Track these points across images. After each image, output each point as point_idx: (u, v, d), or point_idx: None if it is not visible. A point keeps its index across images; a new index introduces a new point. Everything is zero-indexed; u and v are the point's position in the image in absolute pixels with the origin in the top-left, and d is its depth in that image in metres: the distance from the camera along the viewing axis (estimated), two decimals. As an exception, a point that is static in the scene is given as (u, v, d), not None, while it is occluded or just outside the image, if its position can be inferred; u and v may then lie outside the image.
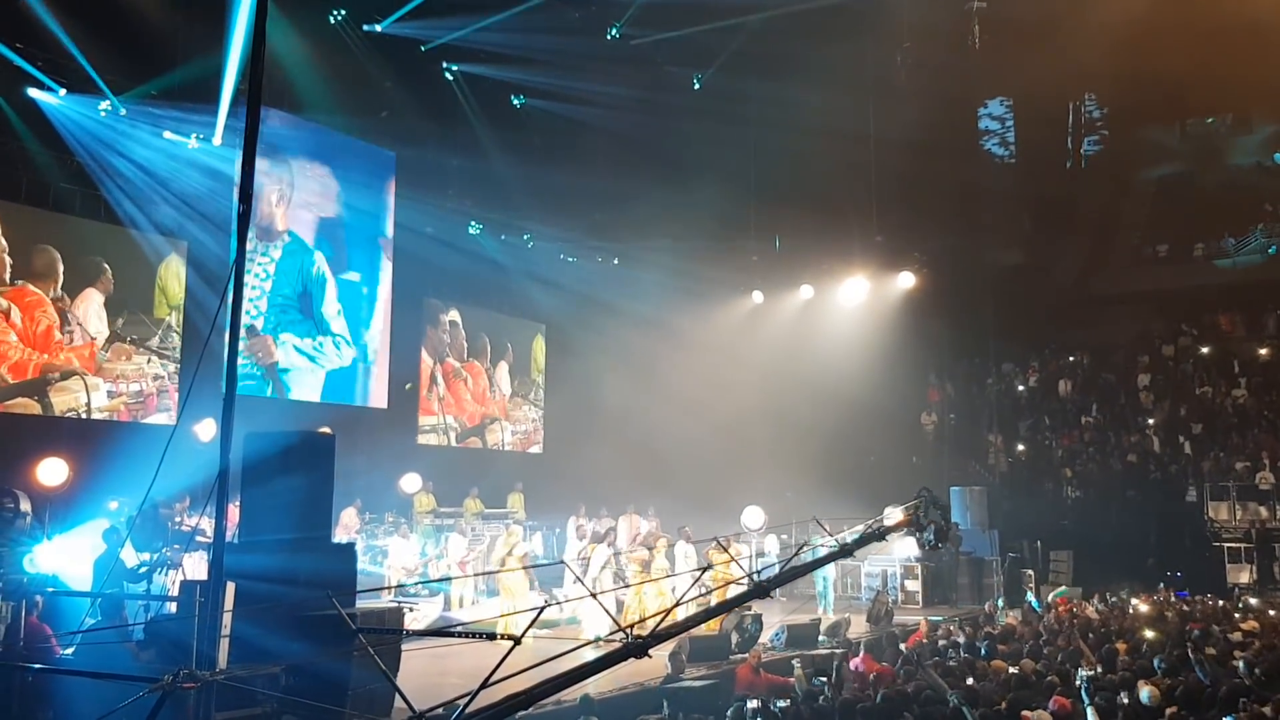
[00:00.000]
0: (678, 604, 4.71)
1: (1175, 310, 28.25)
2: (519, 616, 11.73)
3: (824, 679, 10.08)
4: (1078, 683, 9.21)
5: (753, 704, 8.29)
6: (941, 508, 5.75)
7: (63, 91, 15.55)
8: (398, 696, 7.56)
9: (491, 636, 4.10)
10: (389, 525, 16.90)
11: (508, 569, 13.80)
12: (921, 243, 25.95)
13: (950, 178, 26.81)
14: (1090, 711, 7.83)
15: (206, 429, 14.90)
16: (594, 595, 5.12)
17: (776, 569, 5.68)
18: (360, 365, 20.24)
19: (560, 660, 3.49)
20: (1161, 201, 29.84)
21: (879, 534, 5.65)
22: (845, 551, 5.56)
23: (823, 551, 6.16)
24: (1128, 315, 28.52)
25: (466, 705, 2.84)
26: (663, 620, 3.75)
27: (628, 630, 3.49)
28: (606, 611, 5.23)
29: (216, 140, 16.89)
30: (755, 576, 4.71)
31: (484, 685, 3.04)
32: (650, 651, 3.40)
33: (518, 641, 3.25)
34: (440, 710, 3.42)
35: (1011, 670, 9.85)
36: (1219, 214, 28.73)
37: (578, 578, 12.37)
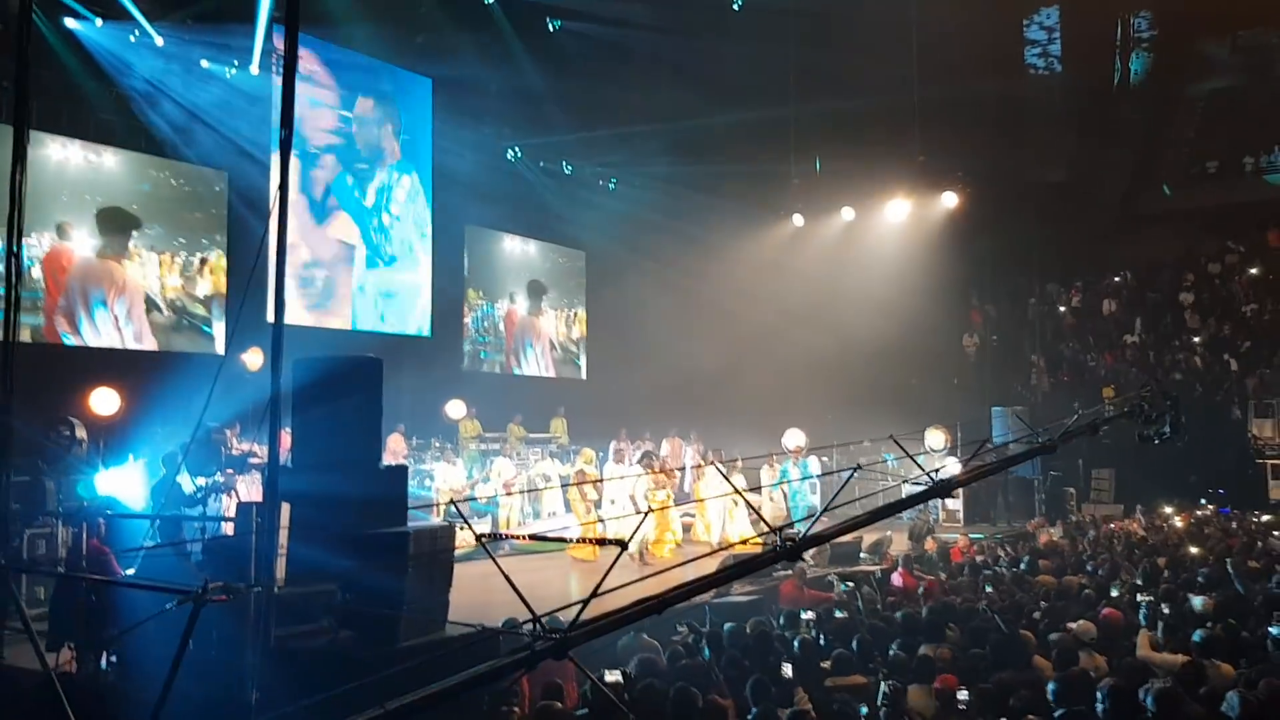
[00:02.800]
0: (827, 508, 4.54)
1: (1222, 227, 27.70)
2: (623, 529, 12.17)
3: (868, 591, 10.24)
4: (1114, 593, 9.30)
5: (808, 614, 8.46)
6: (1172, 399, 5.58)
7: (99, 21, 15.59)
8: (449, 609, 7.79)
9: (601, 542, 4.19)
10: (435, 450, 17.16)
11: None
12: (964, 162, 25.47)
13: (994, 94, 26.26)
14: (1144, 619, 7.91)
15: (254, 358, 15.15)
16: (740, 493, 4.96)
17: (956, 469, 5.53)
18: (405, 293, 20.41)
19: (684, 568, 3.54)
20: (1211, 116, 29.10)
21: (1094, 426, 5.45)
22: (1048, 447, 5.30)
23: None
24: (1174, 233, 28.00)
25: (581, 610, 2.88)
26: (811, 526, 3.73)
27: (777, 533, 3.47)
28: (758, 514, 5.04)
29: (254, 69, 16.91)
30: (933, 476, 4.59)
31: (595, 594, 3.05)
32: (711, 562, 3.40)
33: (624, 546, 3.25)
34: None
35: (1054, 584, 9.94)
36: (1270, 129, 28.00)
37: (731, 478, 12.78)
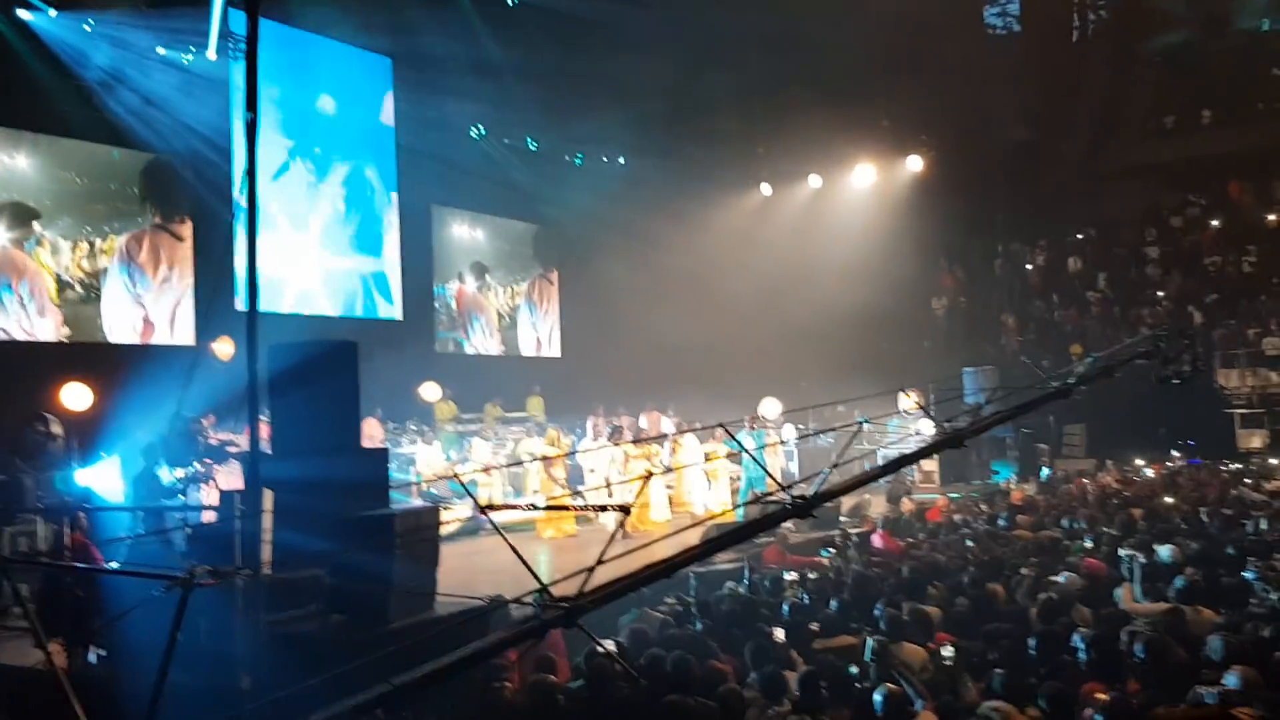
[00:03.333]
0: (836, 465, 4.49)
1: (1183, 181, 27.96)
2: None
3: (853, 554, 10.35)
4: (1088, 544, 9.45)
5: (791, 575, 8.54)
6: (1189, 338, 5.54)
7: (53, 12, 15.32)
8: (437, 588, 7.80)
9: (603, 508, 4.18)
10: (412, 433, 17.13)
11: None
12: (927, 125, 25.60)
13: (954, 56, 26.35)
14: (1129, 570, 8.04)
15: (224, 347, 15.05)
16: (750, 454, 4.97)
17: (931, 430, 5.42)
18: (373, 278, 20.29)
19: (676, 537, 3.52)
20: (1168, 72, 29.32)
21: (1109, 369, 5.38)
22: (1063, 392, 5.08)
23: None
24: (1136, 189, 28.23)
25: (586, 579, 2.87)
26: (823, 483, 3.72)
27: (787, 489, 3.47)
28: (770, 475, 5.01)
29: (210, 54, 16.68)
30: (946, 426, 4.50)
31: (600, 562, 3.04)
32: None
33: (627, 511, 3.25)
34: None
35: (1032, 538, 10.08)
36: (1226, 82, 28.26)
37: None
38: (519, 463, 15.80)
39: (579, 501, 13.95)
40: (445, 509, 8.27)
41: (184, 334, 16.60)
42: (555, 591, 2.94)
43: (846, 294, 23.38)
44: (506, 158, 23.26)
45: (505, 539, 3.21)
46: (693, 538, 4.01)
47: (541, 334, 25.11)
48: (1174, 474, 16.08)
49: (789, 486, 3.43)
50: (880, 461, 4.98)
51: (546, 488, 14.92)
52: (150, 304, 16.33)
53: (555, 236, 25.48)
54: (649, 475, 14.27)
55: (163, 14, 16.17)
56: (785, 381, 20.81)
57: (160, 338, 16.39)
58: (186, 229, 16.86)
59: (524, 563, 3.12)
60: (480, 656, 2.89)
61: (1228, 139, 27.88)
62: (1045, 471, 18.71)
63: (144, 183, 16.39)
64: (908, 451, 4.65)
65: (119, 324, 15.97)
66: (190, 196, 16.87)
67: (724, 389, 20.42)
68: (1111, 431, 20.54)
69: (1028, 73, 29.35)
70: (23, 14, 15.11)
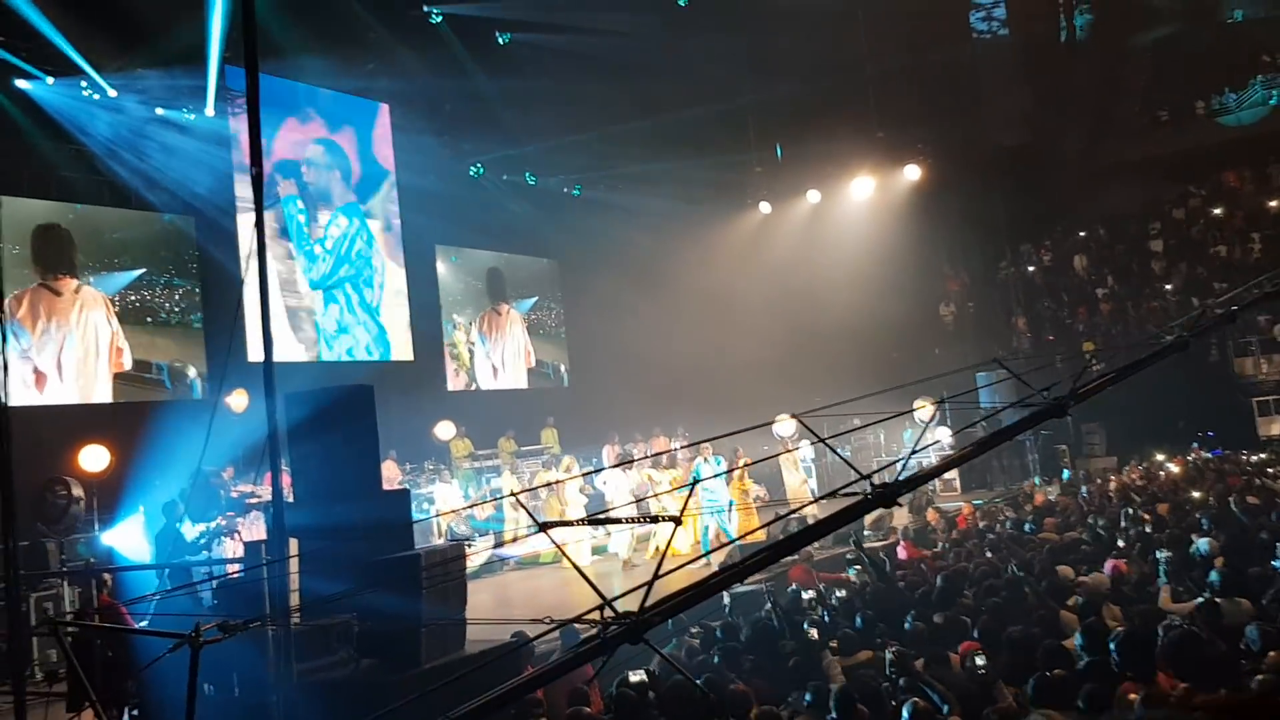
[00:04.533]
0: (914, 451, 4.31)
1: (1182, 173, 27.98)
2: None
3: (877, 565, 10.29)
4: (1121, 543, 9.39)
5: (809, 594, 8.48)
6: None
7: (50, 79, 15.48)
8: (466, 629, 7.79)
9: (655, 519, 4.13)
10: (429, 473, 17.14)
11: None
12: (923, 133, 25.67)
13: (945, 63, 26.48)
14: (1162, 567, 7.98)
15: (238, 400, 15.09)
16: (823, 441, 4.35)
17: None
18: (380, 320, 20.36)
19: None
20: (1159, 65, 29.42)
21: (1230, 315, 5.23)
22: (1181, 344, 4.75)
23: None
24: (1136, 183, 28.26)
25: (647, 593, 2.75)
26: (901, 469, 3.58)
27: (868, 479, 3.31)
28: (848, 462, 4.25)
29: (209, 111, 16.86)
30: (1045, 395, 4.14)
31: (657, 576, 2.92)
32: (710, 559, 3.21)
33: (679, 521, 3.14)
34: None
35: (1058, 540, 10.02)
36: (1217, 71, 28.35)
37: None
38: (589, 472, 15.72)
39: (631, 512, 13.87)
40: (469, 544, 8.26)
41: (71, 384, 15.93)
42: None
43: (853, 306, 23.38)
44: (506, 193, 23.37)
45: (566, 555, 3.22)
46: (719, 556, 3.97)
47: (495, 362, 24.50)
48: (1199, 467, 15.97)
49: (869, 475, 3.32)
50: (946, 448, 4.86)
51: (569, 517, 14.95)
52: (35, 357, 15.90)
53: (560, 267, 25.59)
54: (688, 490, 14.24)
55: (159, 74, 16.31)
56: (797, 398, 20.75)
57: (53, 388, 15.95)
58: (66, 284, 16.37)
59: (586, 579, 3.09)
60: (548, 676, 2.87)
61: (1221, 128, 27.96)
62: (1066, 473, 18.63)
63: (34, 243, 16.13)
64: (999, 428, 4.23)
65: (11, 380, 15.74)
66: (199, 252, 17.00)
67: (735, 409, 20.37)
68: (1130, 428, 20.46)
69: (1019, 75, 29.49)
70: (21, 83, 15.27)
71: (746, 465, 15.35)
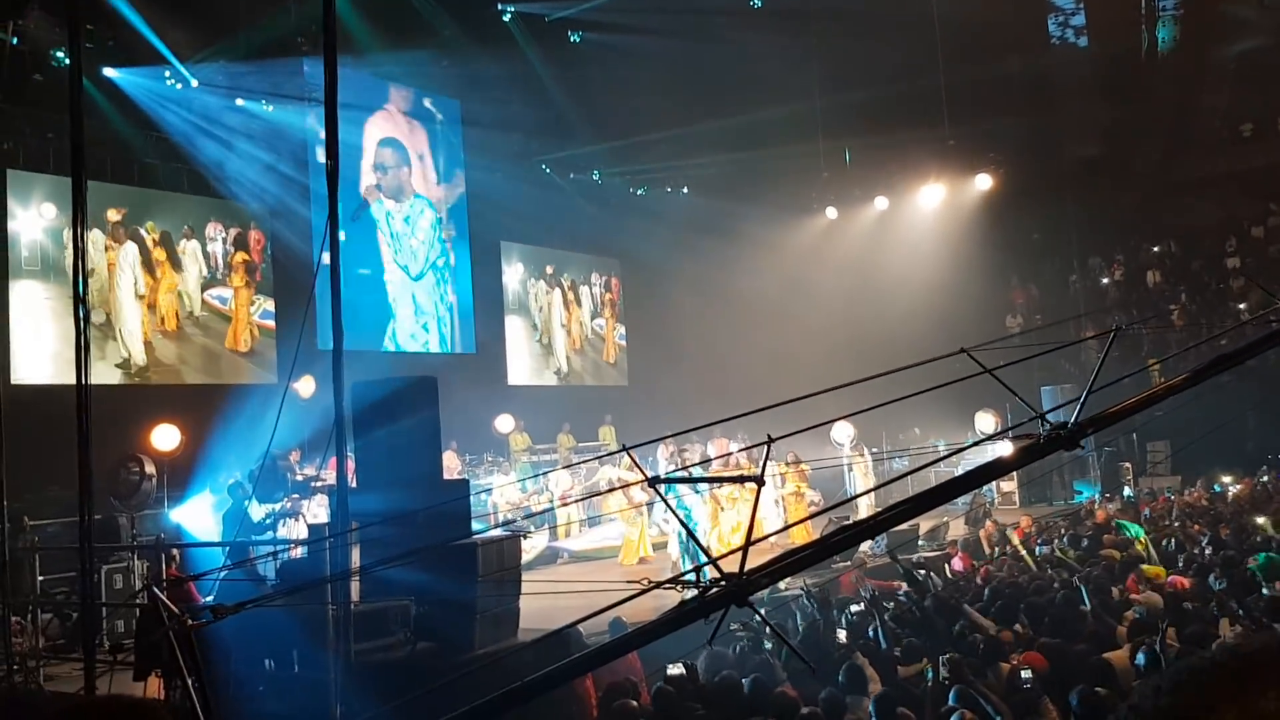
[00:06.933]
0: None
1: (1262, 190, 27.34)
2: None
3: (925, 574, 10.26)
4: (1180, 564, 9.28)
5: (857, 607, 8.51)
6: None
7: (134, 68, 15.96)
8: (519, 617, 7.94)
9: (739, 480, 4.08)
10: (488, 465, 17.38)
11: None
12: (996, 143, 25.39)
13: (1021, 71, 26.14)
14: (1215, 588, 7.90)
15: (306, 385, 15.42)
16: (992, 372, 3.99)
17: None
18: (448, 313, 20.69)
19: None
20: (1243, 78, 28.74)
21: None
22: None
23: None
24: (1213, 199, 27.68)
25: (745, 555, 2.59)
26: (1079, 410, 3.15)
27: (1042, 418, 3.00)
28: (1021, 398, 3.63)
29: (288, 104, 17.24)
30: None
31: (749, 541, 2.78)
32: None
33: (761, 482, 3.01)
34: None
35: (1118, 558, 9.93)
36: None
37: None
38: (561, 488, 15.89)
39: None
40: (526, 536, 8.41)
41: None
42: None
43: (917, 314, 23.21)
44: (572, 191, 23.59)
45: (673, 510, 3.29)
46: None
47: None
48: (1270, 491, 15.67)
49: (1043, 414, 2.98)
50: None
51: (626, 516, 15.04)
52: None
53: (623, 265, 25.77)
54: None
55: (240, 65, 16.73)
56: (857, 404, 20.66)
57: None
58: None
59: (693, 537, 3.14)
60: (649, 635, 2.75)
61: (1307, 145, 27.28)
62: (1129, 491, 18.35)
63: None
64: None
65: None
66: (272, 240, 17.44)
67: (794, 414, 20.35)
68: (1197, 448, 20.05)
69: (1096, 85, 28.98)
70: (109, 72, 15.76)
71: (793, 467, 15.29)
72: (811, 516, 13.12)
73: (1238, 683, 0.71)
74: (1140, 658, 6.37)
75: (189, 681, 2.68)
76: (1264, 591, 7.21)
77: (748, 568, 2.63)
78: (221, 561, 9.93)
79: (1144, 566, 9.54)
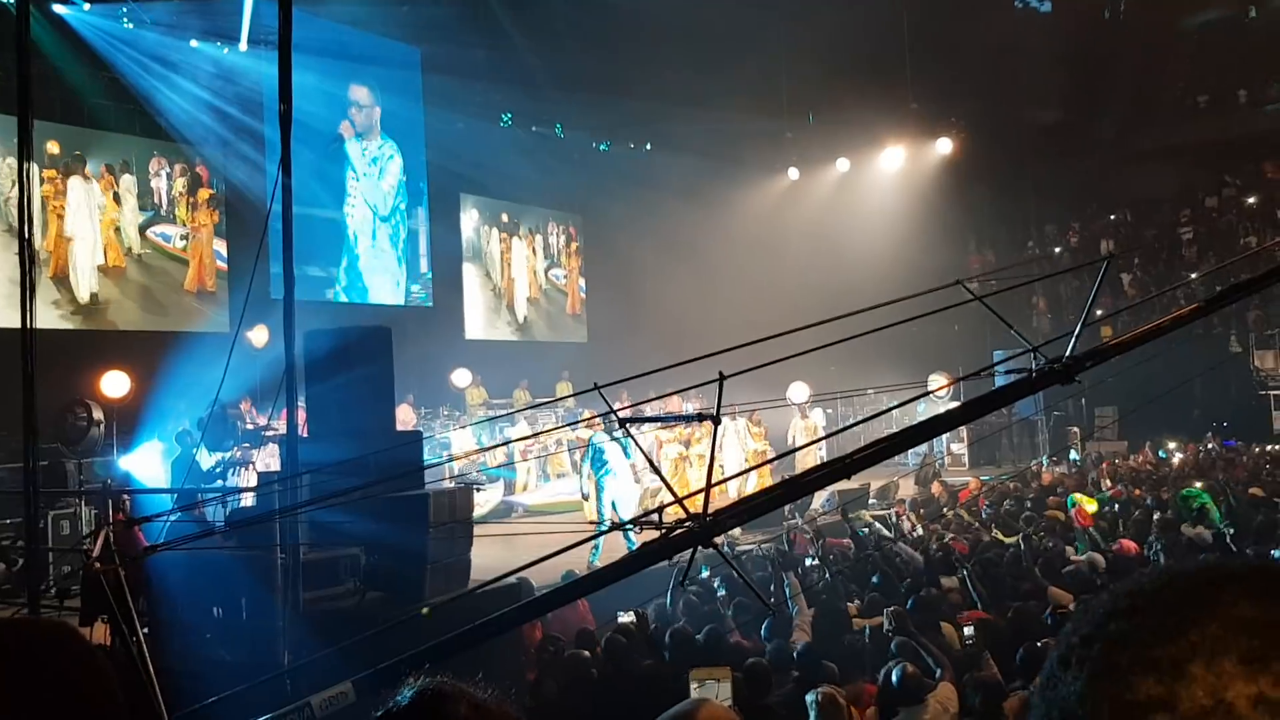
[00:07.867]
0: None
1: (1218, 161, 27.65)
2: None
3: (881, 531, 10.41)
4: (1121, 528, 9.46)
5: (811, 561, 8.62)
6: None
7: (87, 5, 15.54)
8: (471, 567, 7.97)
9: (699, 418, 4.04)
10: (444, 418, 17.32)
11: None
12: (957, 107, 25.46)
13: (984, 36, 26.16)
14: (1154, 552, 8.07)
15: (259, 334, 15.24)
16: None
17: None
18: (404, 264, 20.50)
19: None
20: (1204, 50, 28.96)
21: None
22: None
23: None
24: (1170, 169, 27.96)
25: (708, 496, 2.64)
26: (1073, 343, 3.10)
27: (1036, 351, 2.98)
28: (1015, 331, 3.61)
29: (242, 46, 16.89)
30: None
31: (711, 482, 2.79)
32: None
33: (717, 420, 2.98)
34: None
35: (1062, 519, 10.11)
36: (1263, 60, 27.89)
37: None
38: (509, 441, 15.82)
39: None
40: (479, 489, 8.41)
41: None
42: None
43: (875, 277, 23.30)
44: (534, 145, 23.35)
45: (640, 448, 3.30)
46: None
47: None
48: (1208, 457, 16.00)
49: (1037, 348, 2.89)
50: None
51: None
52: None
53: (584, 222, 25.63)
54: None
55: (196, 6, 16.36)
56: (813, 366, 20.79)
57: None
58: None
59: (662, 479, 3.13)
60: (620, 572, 2.77)
61: (1263, 118, 27.57)
62: (1075, 454, 18.65)
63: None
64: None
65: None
66: (225, 187, 17.14)
67: (751, 374, 20.43)
68: (1144, 414, 20.39)
69: (1059, 52, 29.08)
70: (58, 8, 15.33)
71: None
72: (769, 461, 13.19)
73: (1213, 590, 0.68)
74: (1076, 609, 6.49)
75: (118, 621, 2.66)
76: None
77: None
78: (169, 509, 9.85)
79: (1077, 495, 9.81)
